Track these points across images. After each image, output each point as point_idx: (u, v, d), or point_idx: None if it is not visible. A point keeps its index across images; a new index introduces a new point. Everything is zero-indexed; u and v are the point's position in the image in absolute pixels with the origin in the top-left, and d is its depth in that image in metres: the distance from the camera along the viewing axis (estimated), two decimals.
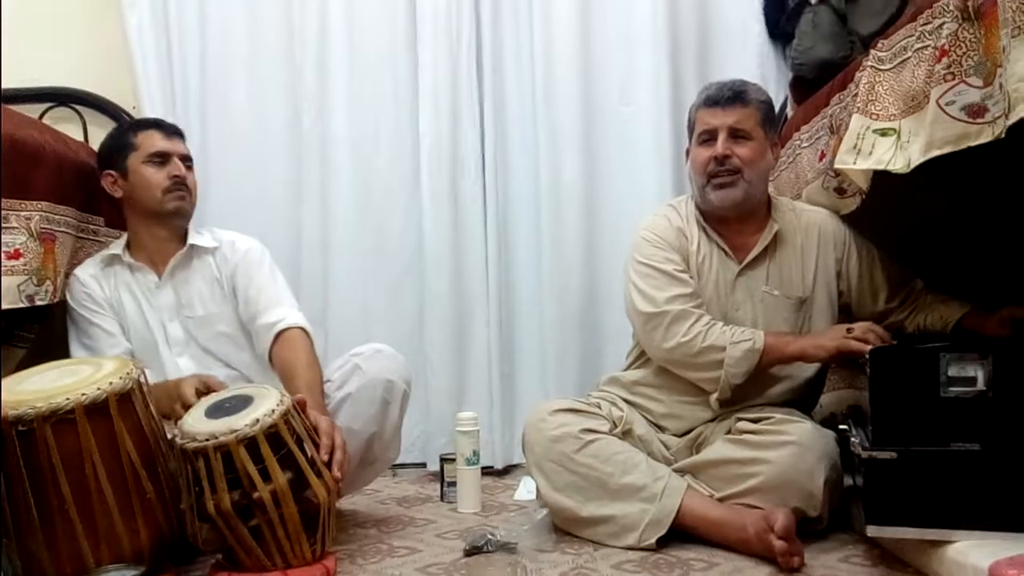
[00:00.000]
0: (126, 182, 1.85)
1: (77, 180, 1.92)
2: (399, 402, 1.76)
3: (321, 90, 2.50)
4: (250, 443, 1.34)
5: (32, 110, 2.33)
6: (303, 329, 1.79)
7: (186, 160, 1.89)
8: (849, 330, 1.60)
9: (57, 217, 1.84)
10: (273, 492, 1.35)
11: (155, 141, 1.86)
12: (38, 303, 1.76)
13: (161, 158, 1.84)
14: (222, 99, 2.52)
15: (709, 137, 1.74)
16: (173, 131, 1.91)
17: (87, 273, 1.86)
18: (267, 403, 1.41)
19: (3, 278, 1.68)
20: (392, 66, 2.52)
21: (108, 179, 1.87)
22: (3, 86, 1.84)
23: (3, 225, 1.69)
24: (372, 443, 1.74)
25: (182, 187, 1.85)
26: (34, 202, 1.77)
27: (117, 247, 1.88)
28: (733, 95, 1.72)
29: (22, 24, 2.24)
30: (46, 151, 1.82)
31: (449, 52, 2.45)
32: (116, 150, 1.87)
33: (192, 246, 1.87)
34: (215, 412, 1.41)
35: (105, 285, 1.85)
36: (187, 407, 1.49)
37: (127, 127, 1.97)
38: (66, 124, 2.40)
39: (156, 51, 2.47)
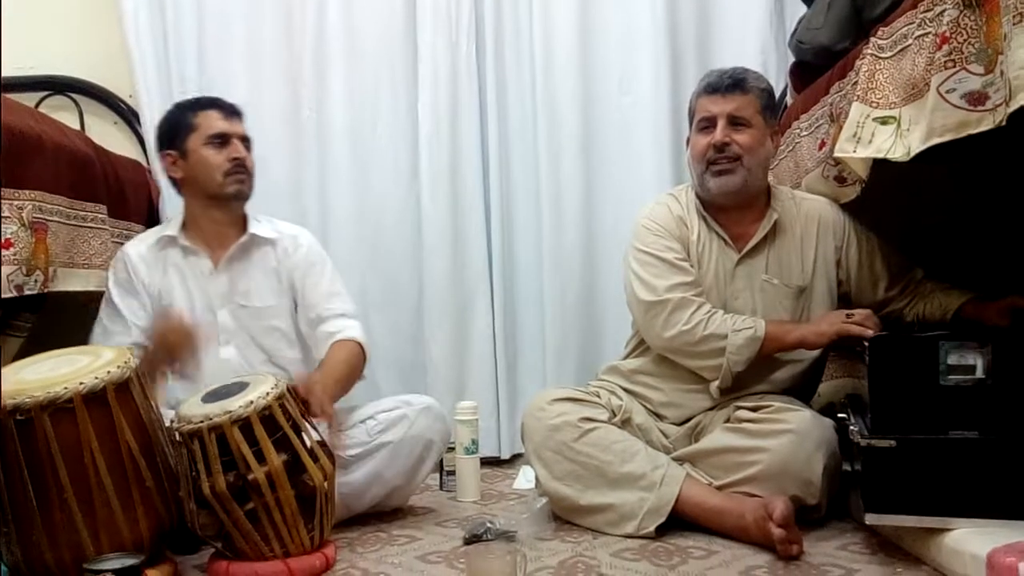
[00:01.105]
0: (185, 163, 1.82)
1: (74, 169, 1.90)
2: (432, 460, 1.81)
3: (319, 78, 2.49)
4: (244, 424, 1.35)
5: (28, 99, 2.32)
6: (359, 342, 1.81)
7: (245, 141, 1.86)
8: (849, 315, 1.60)
9: (51, 207, 1.81)
10: (268, 473, 1.35)
11: (215, 122, 1.82)
12: (27, 292, 1.73)
13: (221, 139, 1.81)
14: (220, 86, 2.48)
15: (708, 124, 1.73)
16: (232, 111, 1.87)
17: (137, 252, 1.83)
18: (262, 387, 1.41)
19: None
20: (390, 54, 2.51)
21: (167, 159, 1.84)
22: (0, 75, 1.82)
23: (0, 215, 1.67)
24: (395, 491, 1.77)
25: (242, 169, 1.82)
26: (27, 191, 1.74)
27: (172, 228, 1.85)
28: (733, 82, 1.72)
29: (17, 12, 2.22)
30: (43, 140, 1.80)
31: (448, 40, 2.44)
32: (175, 130, 1.84)
33: (252, 235, 1.85)
34: (211, 397, 1.42)
35: (154, 268, 1.82)
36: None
37: (186, 106, 1.91)
38: (62, 113, 2.39)
39: (152, 38, 2.45)
